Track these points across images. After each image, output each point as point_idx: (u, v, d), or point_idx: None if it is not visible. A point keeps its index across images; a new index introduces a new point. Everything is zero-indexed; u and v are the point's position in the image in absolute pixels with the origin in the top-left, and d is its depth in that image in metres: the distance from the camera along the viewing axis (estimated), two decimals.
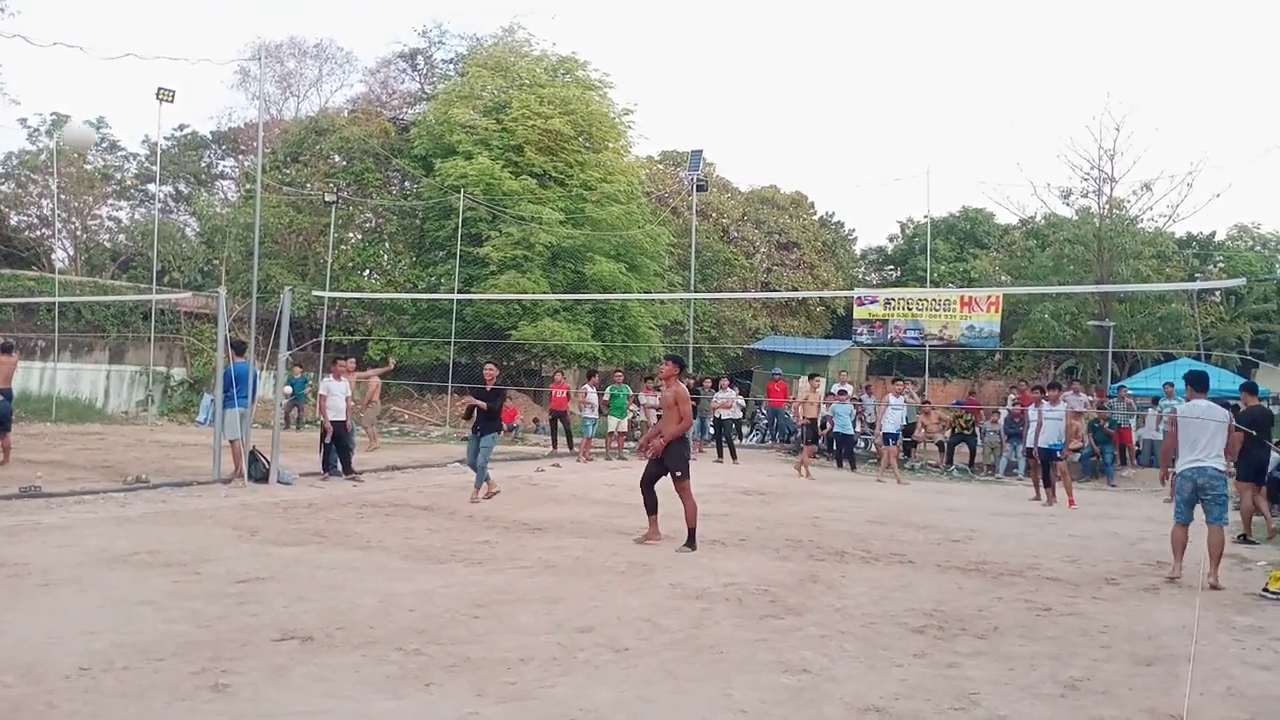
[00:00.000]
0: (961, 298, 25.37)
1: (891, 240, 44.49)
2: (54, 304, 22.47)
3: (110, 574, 6.78)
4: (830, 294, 35.93)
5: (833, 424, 19.12)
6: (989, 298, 25.02)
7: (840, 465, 18.86)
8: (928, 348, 26.19)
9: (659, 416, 11.42)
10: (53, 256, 32.83)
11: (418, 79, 37.85)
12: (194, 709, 4.26)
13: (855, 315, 28.01)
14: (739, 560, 8.43)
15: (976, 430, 20.08)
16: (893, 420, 17.32)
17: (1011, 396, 20.62)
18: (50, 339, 22.91)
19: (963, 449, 20.03)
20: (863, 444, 20.47)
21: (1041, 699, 4.91)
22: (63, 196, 31.48)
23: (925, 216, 33.50)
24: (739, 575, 7.70)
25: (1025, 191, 56.44)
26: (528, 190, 27.64)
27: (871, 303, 26.82)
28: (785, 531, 10.21)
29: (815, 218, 42.49)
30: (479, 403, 11.75)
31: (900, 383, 18.89)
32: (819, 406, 18.50)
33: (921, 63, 78.05)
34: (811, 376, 18.80)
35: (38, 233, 34.03)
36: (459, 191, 27.08)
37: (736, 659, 5.37)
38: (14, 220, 34.23)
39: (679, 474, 9.06)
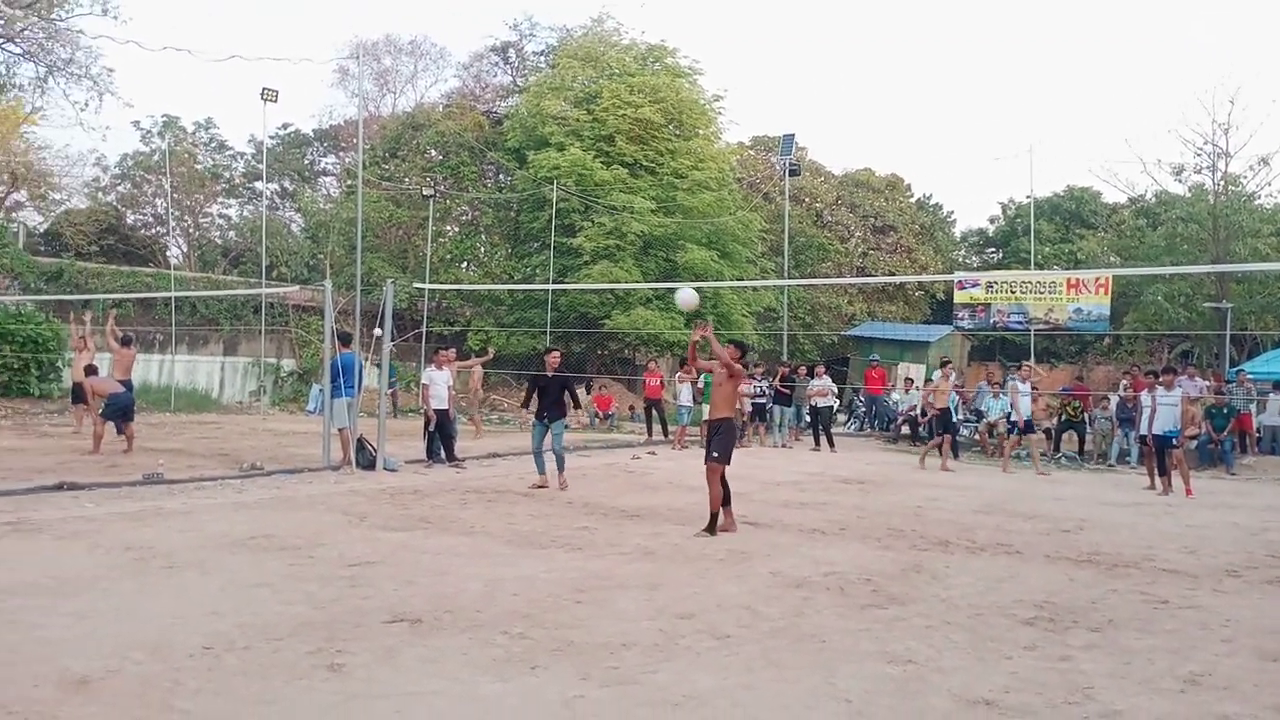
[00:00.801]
0: (1068, 280, 24.55)
1: (992, 222, 43.30)
2: (170, 299, 23.51)
3: (230, 557, 7.07)
4: (929, 278, 35.18)
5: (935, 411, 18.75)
6: (1098, 280, 24.16)
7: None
8: (1033, 332, 25.42)
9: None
10: (168, 253, 34.38)
11: (510, 72, 38.34)
12: (311, 688, 4.42)
13: (956, 299, 27.39)
14: (840, 549, 8.34)
15: (1086, 417, 19.42)
16: (1026, 407, 16.79)
17: (1124, 382, 19.85)
18: (168, 332, 23.98)
19: (1071, 436, 19.41)
20: (966, 431, 20.00)
21: (1160, 694, 4.74)
22: (175, 195, 32.89)
23: (1028, 196, 32.42)
24: (840, 564, 7.62)
25: (1134, 168, 54.08)
26: (619, 180, 27.76)
27: (973, 286, 26.17)
28: (886, 520, 10.06)
29: (912, 200, 41.64)
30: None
31: (1027, 368, 18.14)
32: (949, 395, 17.92)
33: (1023, 35, 75.62)
34: (944, 364, 18.31)
35: (153, 231, 35.65)
36: (552, 183, 27.36)
37: (839, 648, 5.32)
38: (131, 219, 35.93)
39: (716, 455, 8.96)
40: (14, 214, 36.25)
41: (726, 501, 9.01)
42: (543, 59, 36.38)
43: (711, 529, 8.77)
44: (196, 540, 7.64)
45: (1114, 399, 19.14)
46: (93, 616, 5.36)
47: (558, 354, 12.06)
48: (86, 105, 24.87)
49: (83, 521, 8.29)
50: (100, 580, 6.21)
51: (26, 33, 22.41)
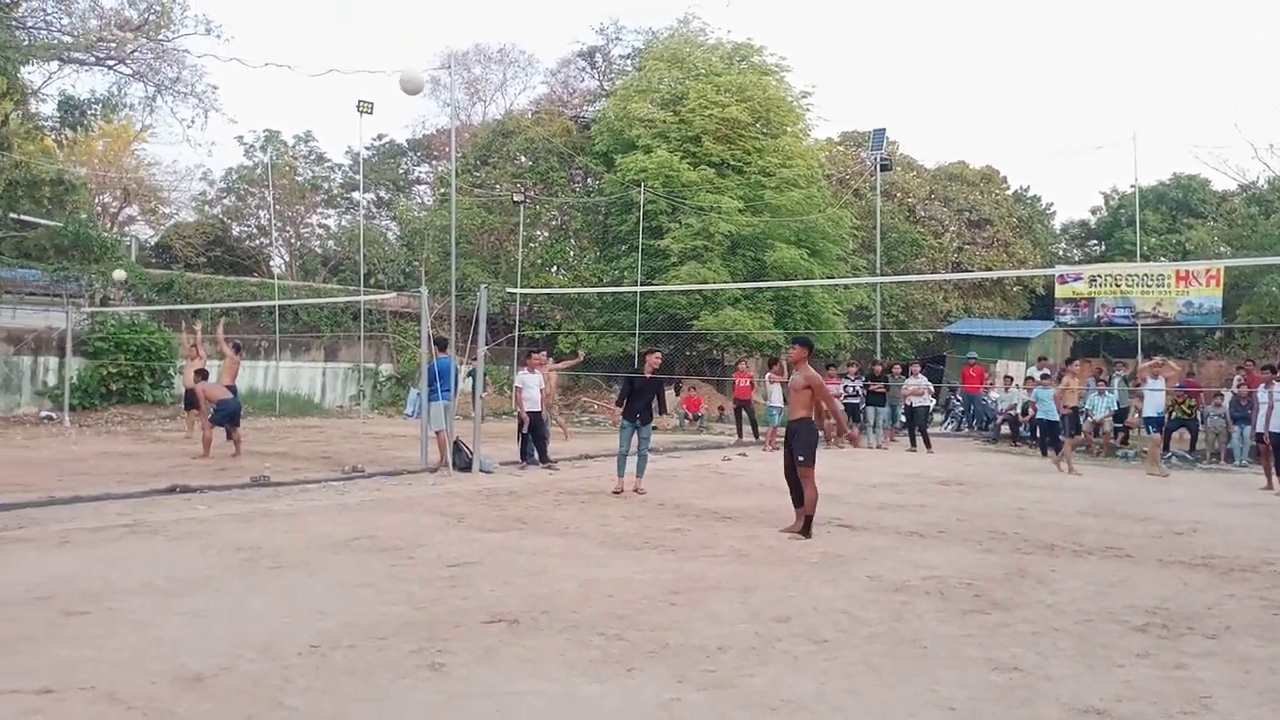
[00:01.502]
0: (1177, 272, 23.54)
1: (1094, 213, 41.87)
2: (274, 307, 24.34)
3: (334, 558, 7.27)
4: (1028, 272, 34.19)
5: (1035, 410, 18.22)
6: (1208, 271, 23.11)
7: (1045, 454, 17.93)
8: (1140, 327, 24.47)
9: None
10: (271, 263, 35.62)
11: (596, 76, 38.60)
12: (414, 686, 4.51)
13: (1057, 294, 26.51)
14: (939, 552, 8.15)
15: (1198, 414, 18.62)
16: (1153, 404, 16.10)
17: (1237, 377, 18.97)
18: (272, 340, 24.81)
19: (1183, 435, 18.63)
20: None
21: None
22: (277, 207, 34.05)
23: (1132, 186, 31.30)
24: (940, 568, 7.45)
25: (1245, 154, 51.72)
26: (706, 180, 27.70)
27: (1075, 280, 25.31)
28: (987, 523, 9.80)
29: (1008, 192, 40.55)
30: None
31: (1159, 362, 17.24)
32: (1079, 395, 17.25)
33: (1123, 16, 72.96)
34: (1069, 361, 17.62)
35: (257, 241, 36.99)
36: (639, 185, 27.45)
37: (941, 654, 5.20)
38: (236, 231, 37.35)
39: (802, 458, 8.88)
40: (127, 228, 38.07)
41: (799, 502, 8.92)
42: (629, 62, 36.56)
43: (807, 531, 8.67)
44: (302, 541, 7.87)
45: (1228, 396, 18.31)
46: (205, 615, 5.56)
47: (659, 355, 11.79)
48: (193, 122, 25.89)
49: (195, 523, 8.63)
50: (212, 580, 6.44)
51: (136, 54, 23.40)
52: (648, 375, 11.51)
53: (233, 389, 15.70)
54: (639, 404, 11.43)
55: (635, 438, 11.43)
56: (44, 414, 20.07)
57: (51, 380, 21.03)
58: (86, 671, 4.52)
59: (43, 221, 22.45)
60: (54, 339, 20.93)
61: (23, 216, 22.08)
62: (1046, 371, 19.88)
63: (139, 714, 4.05)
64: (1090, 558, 8.13)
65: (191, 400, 16.98)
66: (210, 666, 4.64)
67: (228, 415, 14.45)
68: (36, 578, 6.28)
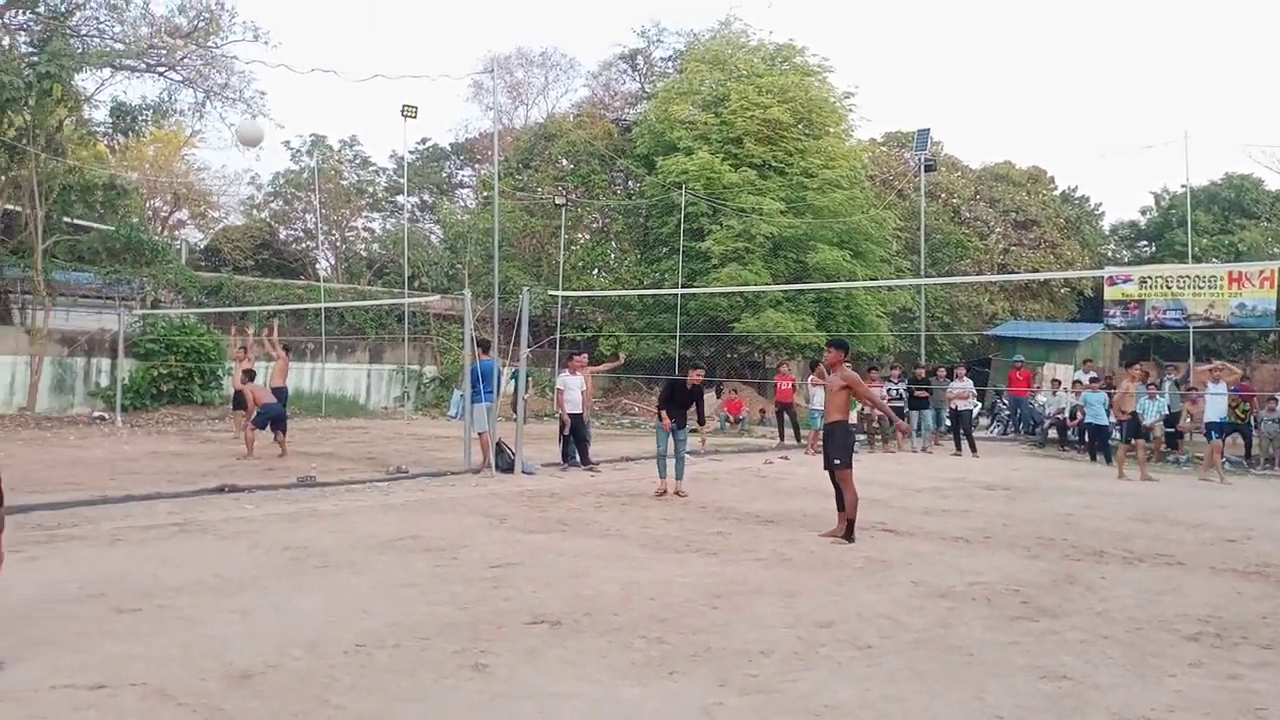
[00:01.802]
0: (1230, 273, 23.01)
1: (1144, 213, 41.09)
2: (320, 309, 24.65)
3: (379, 557, 7.34)
4: (1076, 274, 33.61)
5: (1084, 414, 17.94)
6: (1262, 272, 22.54)
7: (1094, 458, 17.65)
8: (1191, 330, 23.96)
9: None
10: (317, 266, 36.09)
11: (638, 79, 38.67)
12: (457, 686, 4.54)
13: (1106, 296, 26.01)
14: (985, 558, 8.05)
15: (1251, 419, 18.19)
16: (1215, 409, 15.70)
17: None
18: (318, 342, 25.14)
19: (1236, 440, 18.21)
20: (1118, 435, 19.01)
21: None
22: (323, 211, 34.48)
23: (1183, 186, 30.68)
24: (986, 574, 7.35)
25: None
26: (748, 182, 27.61)
27: (1125, 282, 24.82)
28: (1035, 529, 9.65)
29: (1056, 193, 39.94)
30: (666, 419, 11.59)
31: (1219, 366, 16.86)
32: (1134, 399, 16.80)
33: (1173, 12, 71.62)
34: (1129, 365, 17.25)
35: (303, 245, 37.49)
36: (680, 187, 27.43)
37: (988, 661, 5.13)
38: (283, 234, 37.90)
39: (838, 461, 8.83)
40: (177, 232, 38.79)
41: (841, 506, 8.86)
42: (670, 65, 36.57)
43: (850, 535, 8.60)
44: (347, 541, 7.96)
45: None
46: (253, 614, 5.65)
47: (701, 373, 11.92)
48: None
49: (243, 522, 8.76)
50: (260, 579, 6.54)
51: (186, 61, 23.80)
52: (689, 386, 11.65)
53: (282, 390, 15.95)
54: (676, 410, 11.57)
55: (671, 440, 11.52)
56: (96, 414, 20.51)
57: (104, 381, 21.48)
58: (138, 668, 4.61)
59: (96, 225, 22.93)
60: (106, 341, 21.38)
61: (76, 220, 22.55)
62: (1094, 375, 19.56)
63: (189, 710, 4.12)
64: (1141, 565, 7.98)
65: (240, 401, 17.24)
66: (258, 664, 4.71)
67: (270, 418, 14.66)
68: (89, 575, 6.41)
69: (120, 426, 19.11)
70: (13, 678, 4.44)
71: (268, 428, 14.68)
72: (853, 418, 18.48)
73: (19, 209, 20.51)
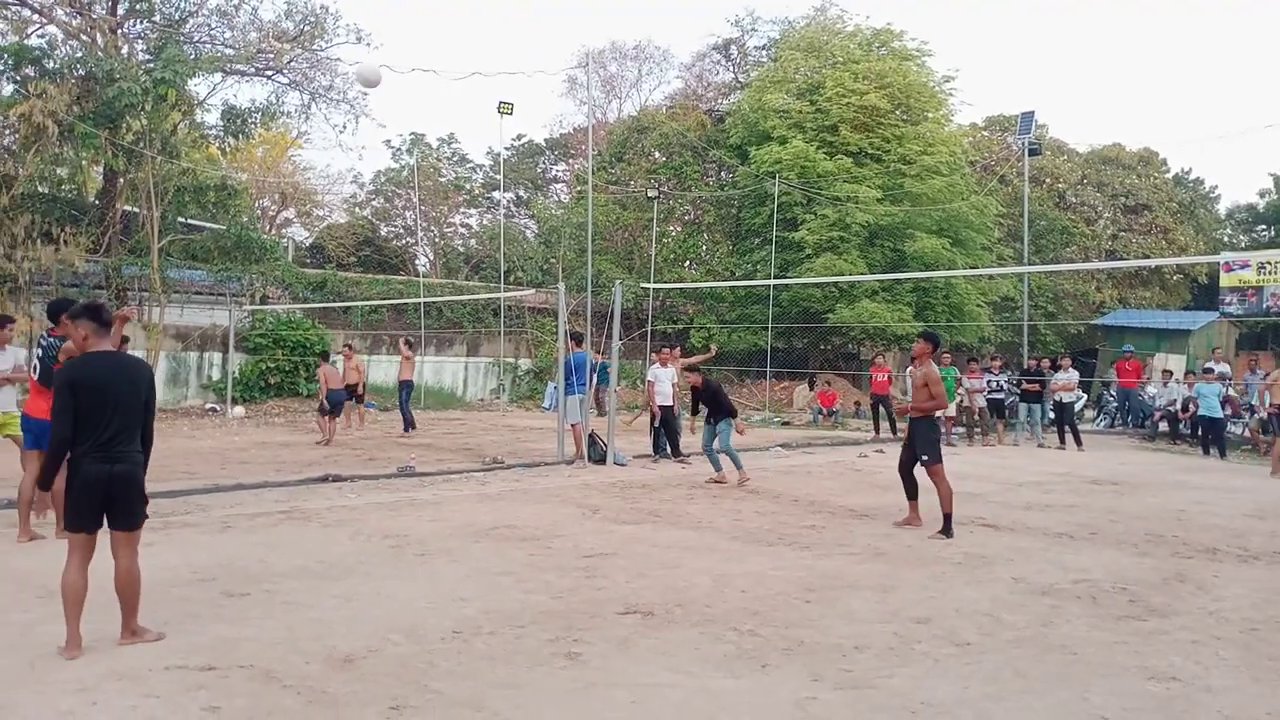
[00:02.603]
0: None
1: (1263, 196, 39.12)
2: (419, 304, 25.22)
3: (475, 546, 7.48)
4: (1189, 260, 32.23)
5: (1197, 406, 17.18)
6: None
7: (1207, 452, 16.89)
8: None
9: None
10: (416, 262, 36.93)
11: (731, 69, 38.42)
12: (551, 674, 4.59)
13: (1222, 283, 24.94)
14: (1090, 555, 7.77)
15: None
16: None
17: None
18: (418, 335, 25.73)
19: None
20: (1236, 429, 18.18)
21: None
22: (422, 208, 35.25)
23: None
24: (1091, 571, 7.11)
25: None
26: (843, 170, 27.21)
27: (1242, 268, 23.72)
28: (1144, 525, 9.28)
29: (1168, 176, 38.30)
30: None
31: None
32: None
33: None
34: (1249, 353, 16.35)
35: (403, 241, 38.42)
36: (773, 177, 27.17)
37: (1093, 661, 4.96)
38: (384, 231, 38.89)
39: (925, 457, 8.71)
40: (284, 230, 40.17)
41: (913, 495, 8.91)
42: (764, 53, 36.24)
43: (947, 530, 8.41)
44: (445, 529, 8.14)
45: None
46: (355, 599, 5.82)
47: (699, 377, 12.31)
48: (345, 128, 27.19)
49: (345, 511, 9.03)
50: (361, 565, 6.73)
51: (292, 64, 24.63)
52: (697, 388, 12.22)
53: (405, 385, 17.59)
54: (701, 407, 12.22)
55: (713, 434, 11.95)
56: (209, 406, 21.40)
57: (215, 374, 22.38)
58: (246, 650, 4.80)
59: (208, 225, 23.88)
60: (218, 336, 22.27)
61: (190, 220, 23.51)
62: (1210, 365, 18.70)
63: (294, 692, 4.27)
64: (1257, 563, 7.61)
65: (349, 393, 17.95)
66: (359, 648, 4.85)
67: (333, 404, 15.88)
68: (201, 560, 6.70)
69: (231, 418, 19.83)
70: (129, 657, 4.67)
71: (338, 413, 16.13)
72: (951, 409, 18.21)
73: (136, 210, 21.49)
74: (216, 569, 6.46)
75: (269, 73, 24.48)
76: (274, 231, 37.29)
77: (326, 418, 15.58)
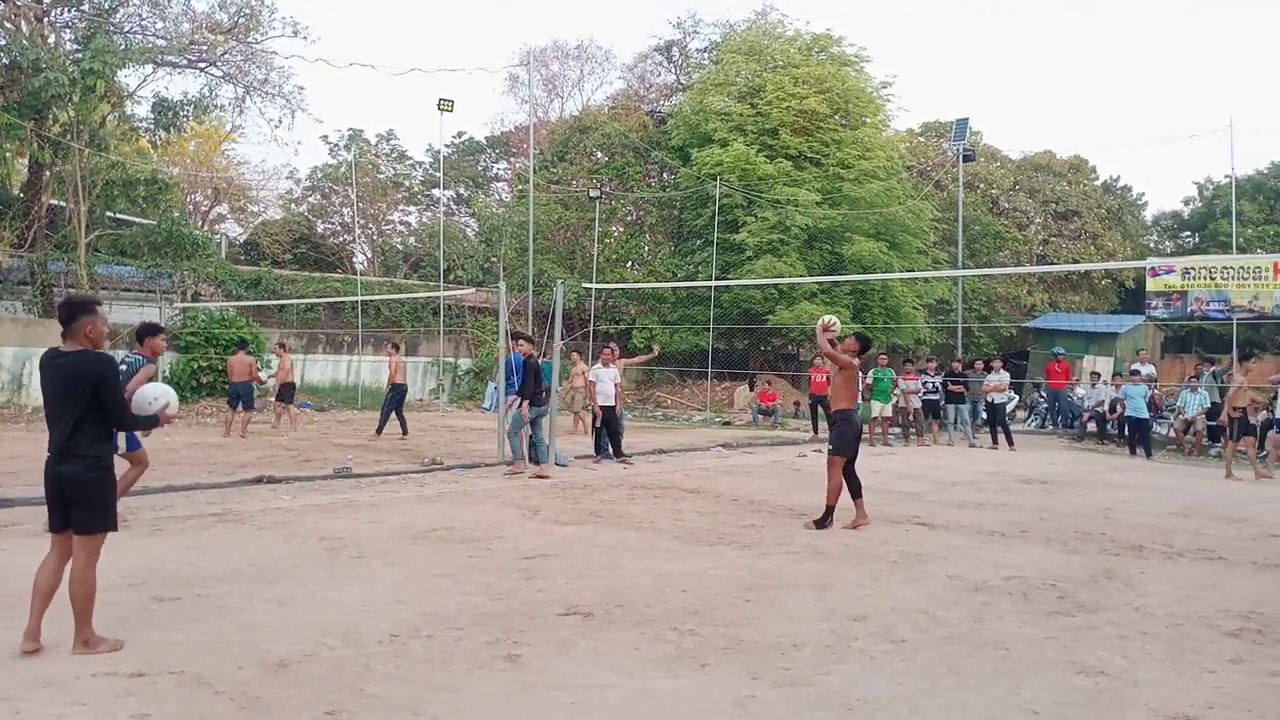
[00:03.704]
0: (1275, 264, 22.53)
1: (1187, 204, 40.41)
2: (357, 302, 24.89)
3: (413, 548, 7.40)
4: (1117, 265, 33.13)
5: (1124, 407, 17.67)
6: None
7: (1134, 452, 17.39)
8: (1235, 321, 23.53)
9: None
10: (354, 259, 36.44)
11: (673, 70, 38.58)
12: (490, 676, 4.56)
13: (1148, 287, 25.51)
14: (1021, 552, 7.96)
15: None
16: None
17: None
18: (355, 334, 25.39)
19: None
20: (1161, 429, 18.74)
21: None
22: (360, 204, 34.80)
23: (1228, 175, 30.08)
24: (1023, 568, 7.27)
25: None
26: (783, 173, 27.46)
27: (1167, 273, 24.37)
28: (1073, 523, 9.53)
29: (1097, 183, 39.34)
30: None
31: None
32: (1247, 393, 15.86)
33: (1218, 1, 70.14)
34: (1244, 358, 16.51)
35: (340, 238, 37.89)
36: (715, 179, 27.32)
37: (1024, 657, 5.07)
38: (320, 228, 38.31)
39: (831, 449, 8.95)
40: (217, 226, 39.34)
41: (857, 494, 8.98)
42: (706, 56, 36.45)
43: (823, 522, 8.65)
44: (382, 531, 8.03)
45: None
46: (290, 603, 5.71)
47: (528, 345, 12.19)
48: (280, 122, 26.73)
49: (280, 513, 8.87)
50: (296, 569, 6.61)
51: (226, 56, 24.13)
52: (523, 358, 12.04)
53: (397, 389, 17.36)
54: (528, 389, 12.10)
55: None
56: None
57: None
58: (176, 656, 4.68)
59: (138, 220, 23.30)
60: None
61: (119, 215, 22.92)
62: (1136, 367, 19.25)
63: (226, 698, 4.18)
64: (1181, 560, 7.85)
65: (281, 393, 17.63)
66: (294, 653, 4.77)
67: (232, 396, 16.50)
68: (130, 565, 6.51)
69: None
70: (55, 664, 4.53)
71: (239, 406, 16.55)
72: (888, 410, 18.48)
73: (63, 204, 20.88)
74: (145, 573, 6.29)
75: (202, 65, 23.96)
76: (207, 227, 36.48)
77: (233, 412, 16.24)
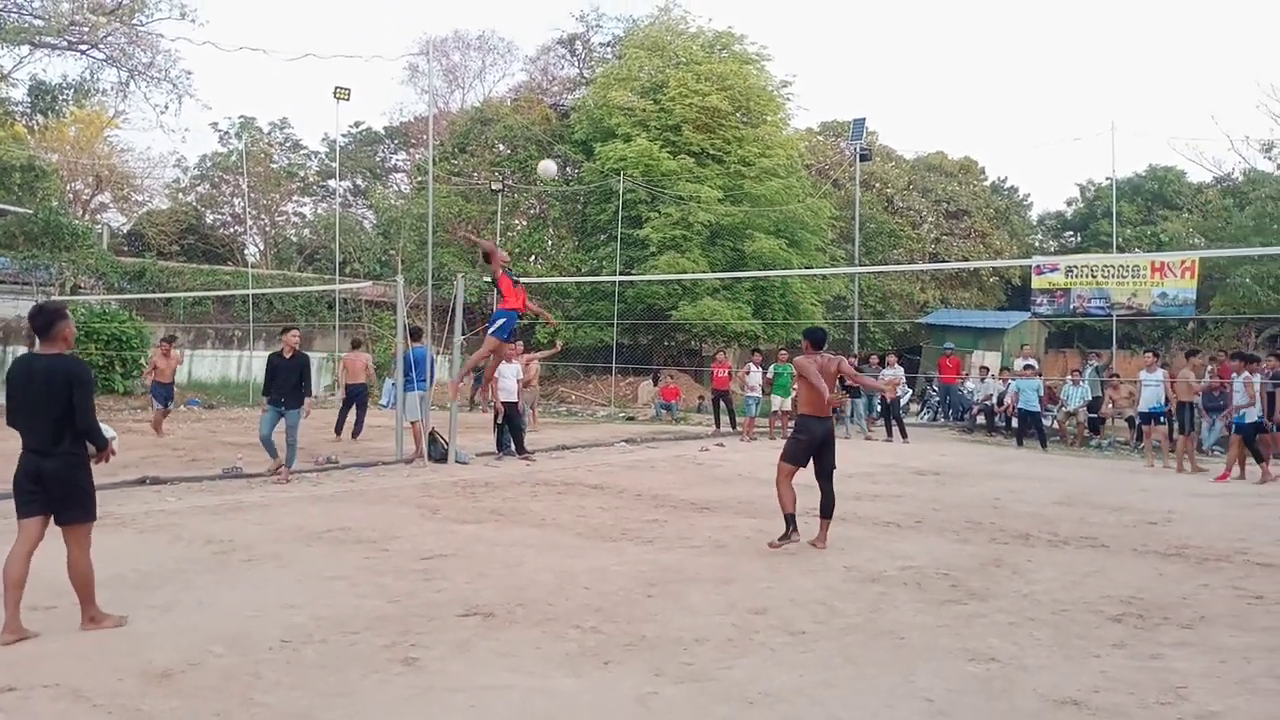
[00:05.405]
0: (1152, 263, 23.70)
1: (1070, 204, 42.09)
2: (248, 296, 24.09)
3: (306, 550, 7.18)
4: (1005, 263, 34.31)
5: (1016, 400, 18.30)
6: (1183, 263, 23.28)
7: (1020, 444, 18.04)
8: (1115, 318, 24.64)
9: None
10: (245, 252, 35.27)
11: (576, 64, 38.42)
12: (386, 681, 4.44)
13: (1033, 285, 26.65)
14: (915, 543, 8.16)
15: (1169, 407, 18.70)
16: (1149, 397, 15.51)
17: (1210, 368, 19.09)
18: (245, 329, 24.57)
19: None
20: (1046, 420, 19.46)
21: (1259, 694, 4.53)
22: (252, 195, 33.68)
23: (1108, 177, 31.46)
24: (916, 558, 7.45)
25: (1221, 146, 52.15)
26: (686, 169, 27.63)
27: (1051, 271, 25.43)
28: (964, 513, 9.82)
29: (986, 183, 40.71)
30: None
31: (1151, 355, 16.72)
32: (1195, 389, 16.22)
33: (1101, 7, 73.36)
34: (1190, 354, 16.86)
35: (231, 230, 36.60)
36: (618, 174, 27.33)
37: (918, 645, 5.19)
38: (210, 219, 36.94)
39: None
40: (98, 215, 37.56)
41: (826, 514, 8.15)
42: (609, 50, 36.40)
43: (786, 536, 7.96)
44: (274, 533, 7.78)
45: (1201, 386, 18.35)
46: (174, 609, 5.48)
47: (297, 334, 11.56)
48: (166, 108, 25.52)
49: (165, 515, 8.52)
50: (182, 573, 6.35)
51: (109, 39, 23.05)
52: (287, 355, 11.41)
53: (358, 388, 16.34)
54: (280, 386, 11.30)
55: (281, 421, 11.23)
56: None
57: None
58: (51, 667, 4.44)
59: (13, 209, 22.09)
60: (23, 328, 20.62)
61: None
62: (1031, 363, 19.95)
63: (104, 712, 3.97)
64: (1066, 547, 8.16)
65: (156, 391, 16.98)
66: (179, 662, 4.57)
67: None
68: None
69: None
70: None
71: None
72: (787, 404, 18.78)
73: None
74: None
75: (83, 47, 22.84)
76: (87, 217, 34.79)
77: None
